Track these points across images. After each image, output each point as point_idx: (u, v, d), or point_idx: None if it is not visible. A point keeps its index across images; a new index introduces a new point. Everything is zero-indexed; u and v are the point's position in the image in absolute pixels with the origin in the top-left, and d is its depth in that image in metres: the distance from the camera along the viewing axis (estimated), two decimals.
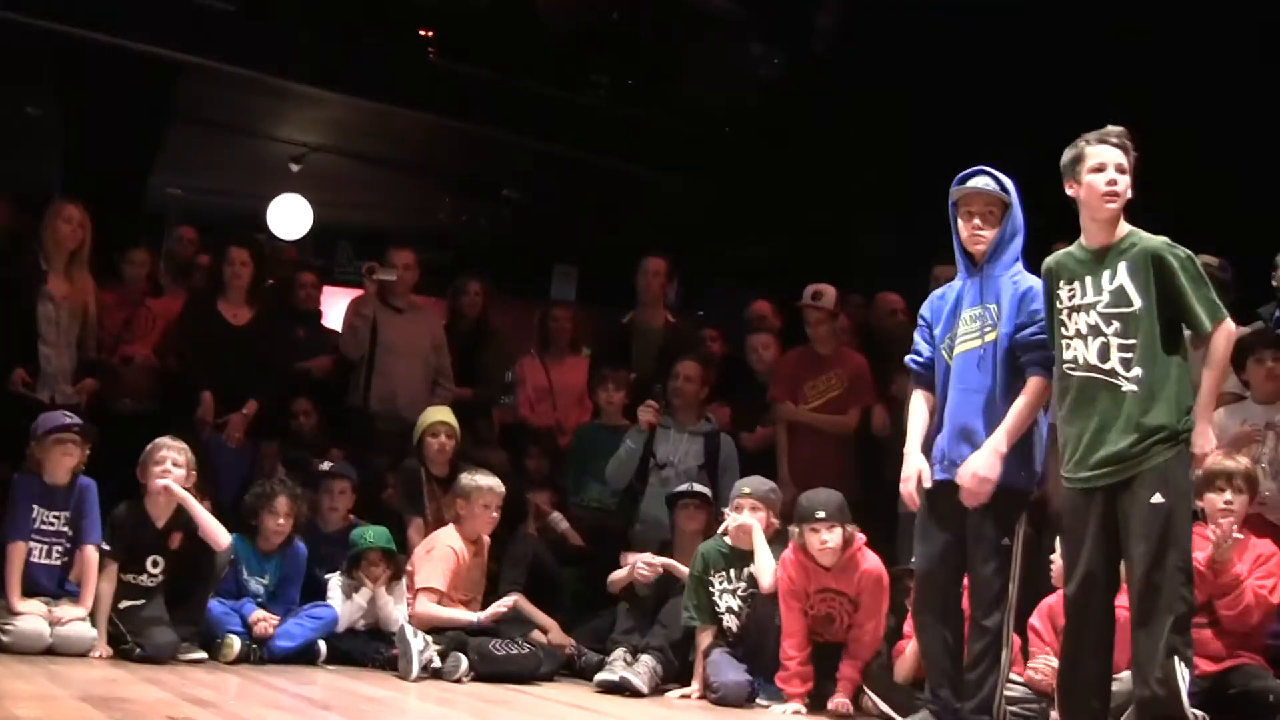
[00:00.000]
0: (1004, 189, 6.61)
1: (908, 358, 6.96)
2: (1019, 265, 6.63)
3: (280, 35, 11.99)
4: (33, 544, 8.11)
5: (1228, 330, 5.96)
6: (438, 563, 8.69)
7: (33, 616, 7.85)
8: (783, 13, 13.95)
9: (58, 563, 8.19)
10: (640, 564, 8.84)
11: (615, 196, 14.02)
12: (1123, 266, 5.98)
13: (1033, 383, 6.42)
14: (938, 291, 6.94)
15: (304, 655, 8.54)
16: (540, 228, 15.03)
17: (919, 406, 6.82)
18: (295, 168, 13.62)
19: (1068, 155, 6.08)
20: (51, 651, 7.81)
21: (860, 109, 12.84)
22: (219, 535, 8.34)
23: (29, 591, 8.02)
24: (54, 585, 8.16)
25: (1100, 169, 5.98)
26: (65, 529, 8.20)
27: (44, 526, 8.15)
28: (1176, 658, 5.72)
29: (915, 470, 6.65)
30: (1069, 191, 6.08)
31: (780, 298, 10.98)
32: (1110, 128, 6.04)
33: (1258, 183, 9.97)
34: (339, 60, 12.23)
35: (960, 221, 6.66)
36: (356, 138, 13.67)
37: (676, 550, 8.90)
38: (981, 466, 6.36)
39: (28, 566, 8.08)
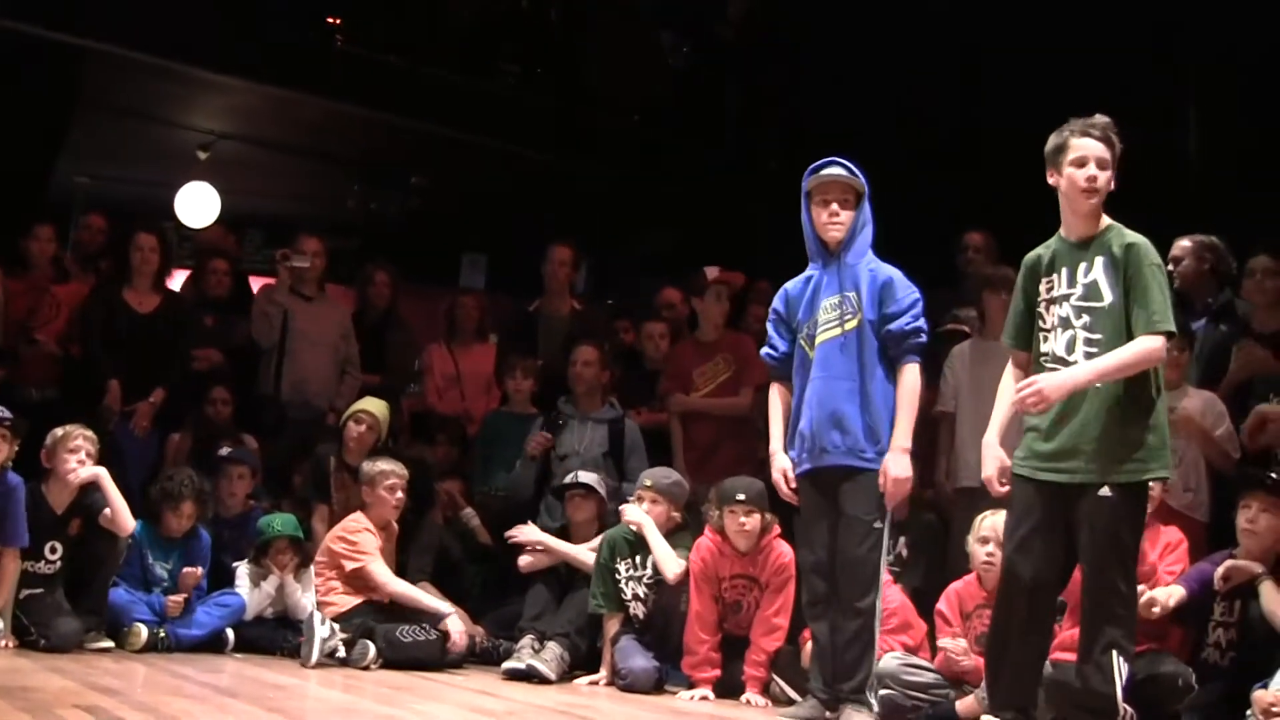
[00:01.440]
0: (858, 178, 6.71)
1: (762, 351, 7.04)
2: (872, 254, 6.74)
3: (187, 21, 11.88)
4: None
5: (1157, 345, 5.81)
6: (367, 544, 8.74)
7: None
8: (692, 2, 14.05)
9: None
10: (524, 555, 8.93)
11: (524, 184, 14.02)
12: (1099, 260, 5.93)
13: (908, 370, 6.58)
14: (791, 283, 6.98)
15: (212, 644, 8.56)
16: (449, 215, 15.02)
17: (776, 401, 6.92)
18: (203, 155, 13.54)
19: (1052, 143, 6.02)
20: None
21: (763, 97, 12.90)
22: (127, 521, 8.33)
23: None
24: None
25: (1082, 163, 5.90)
26: None
27: None
28: (1116, 651, 5.75)
29: (782, 470, 6.76)
30: (1050, 180, 6.03)
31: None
32: (1096, 118, 5.95)
33: None
34: (246, 47, 12.15)
35: (815, 210, 6.74)
36: (265, 125, 13.59)
37: (573, 539, 8.95)
38: (897, 468, 6.49)
39: None
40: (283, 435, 10.39)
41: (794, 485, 6.72)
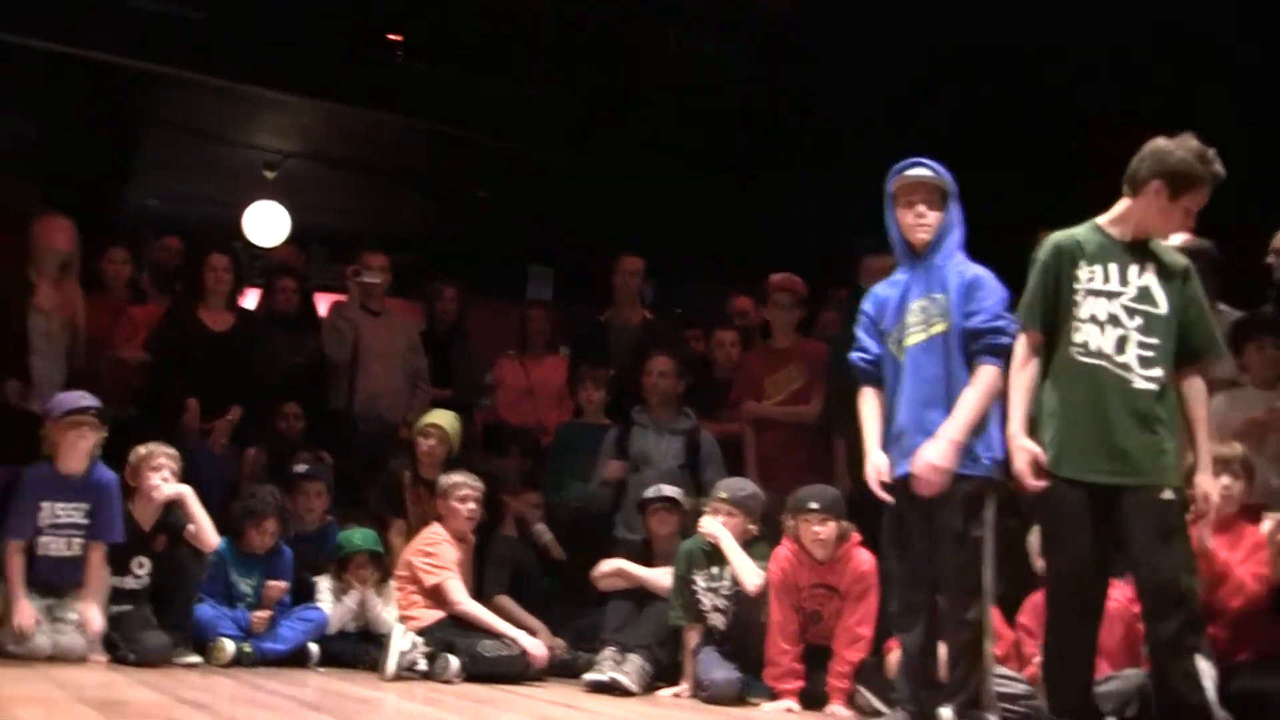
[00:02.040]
0: (944, 178, 6.58)
1: (853, 354, 6.81)
2: (961, 255, 6.58)
3: (251, 42, 12.00)
4: (48, 538, 8.11)
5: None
6: (445, 557, 8.77)
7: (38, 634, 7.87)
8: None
9: (78, 554, 8.17)
10: (605, 579, 8.92)
11: (588, 195, 14.06)
12: (1153, 267, 5.91)
13: (984, 371, 6.35)
14: (880, 285, 6.84)
15: (295, 658, 8.60)
16: (514, 228, 15.08)
17: (870, 404, 6.71)
18: (270, 174, 13.66)
19: (1180, 167, 5.89)
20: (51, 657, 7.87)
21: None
22: (211, 538, 8.42)
23: (36, 584, 8.03)
24: (71, 587, 8.13)
25: (1199, 200, 5.91)
26: (83, 520, 8.18)
27: (59, 520, 8.14)
28: (1196, 654, 5.72)
29: (876, 468, 6.54)
30: (1140, 191, 5.95)
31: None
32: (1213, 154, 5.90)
33: None
34: (310, 66, 12.25)
35: (900, 211, 6.59)
36: (329, 142, 13.72)
37: (654, 553, 8.90)
38: (936, 455, 6.29)
39: (42, 562, 8.08)
40: (354, 450, 10.44)
41: (888, 481, 6.55)
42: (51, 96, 11.95)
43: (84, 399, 8.35)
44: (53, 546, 8.14)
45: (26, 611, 7.88)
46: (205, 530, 8.38)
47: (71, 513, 8.16)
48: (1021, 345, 6.16)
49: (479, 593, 9.07)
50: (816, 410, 9.87)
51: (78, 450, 8.19)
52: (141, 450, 8.47)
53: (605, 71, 13.78)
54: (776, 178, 13.21)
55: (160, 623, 8.23)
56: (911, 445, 6.41)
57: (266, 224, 13.94)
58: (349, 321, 10.65)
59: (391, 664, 8.22)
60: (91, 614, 8.04)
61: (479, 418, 11.20)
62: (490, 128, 13.02)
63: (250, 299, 11.37)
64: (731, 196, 13.68)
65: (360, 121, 13.07)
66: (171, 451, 8.51)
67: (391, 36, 13.25)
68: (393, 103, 12.78)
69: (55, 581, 8.10)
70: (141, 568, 8.38)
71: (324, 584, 8.98)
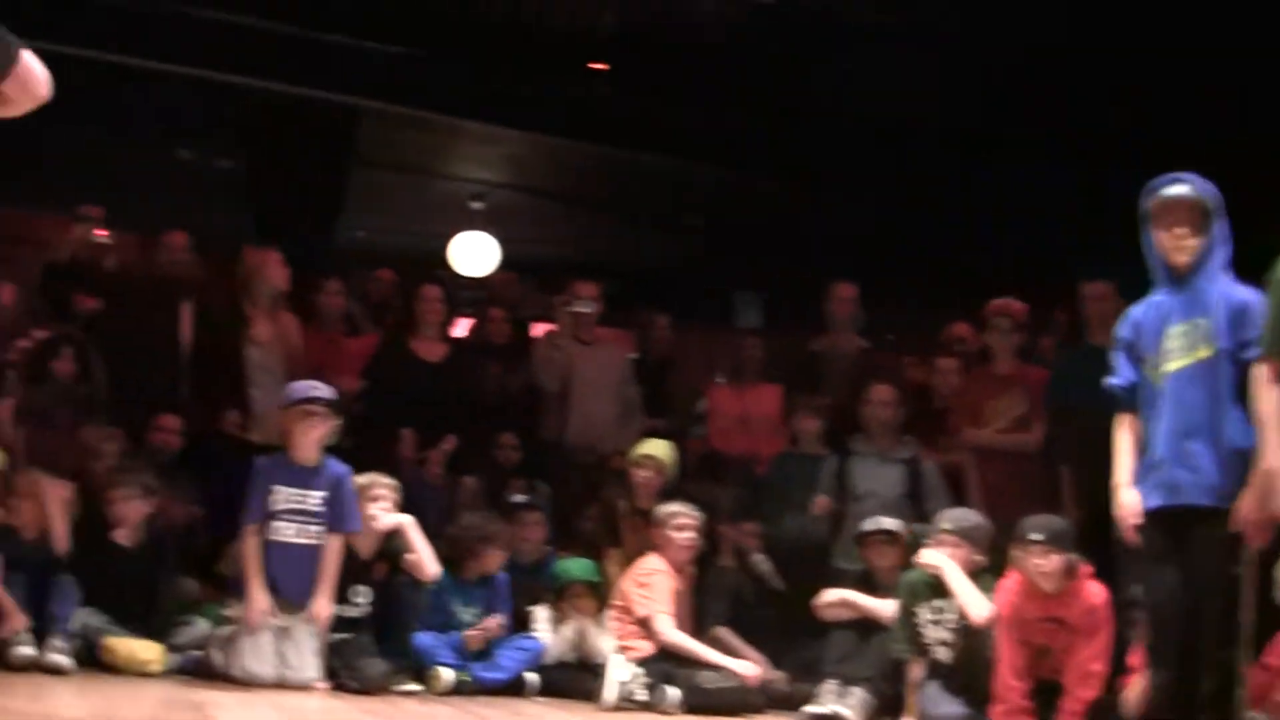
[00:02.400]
0: (1206, 195, 6.15)
1: (1109, 381, 6.44)
2: (1227, 276, 6.15)
3: (454, 75, 12.08)
4: (282, 523, 8.19)
5: None
6: (660, 588, 8.67)
7: (265, 655, 7.96)
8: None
9: (312, 543, 8.23)
10: (828, 609, 8.78)
11: (797, 221, 13.95)
12: None
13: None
14: (1137, 308, 6.42)
15: (513, 687, 8.56)
16: (721, 255, 15.02)
17: (1126, 433, 6.34)
18: (476, 205, 13.72)
19: None
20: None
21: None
22: (431, 566, 8.45)
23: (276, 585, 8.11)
24: (305, 577, 8.18)
25: None
26: (317, 508, 8.24)
27: (293, 505, 8.22)
28: None
29: (1128, 508, 6.19)
30: None
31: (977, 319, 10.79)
32: None
33: None
34: (514, 97, 12.30)
35: (1157, 233, 6.18)
36: (535, 173, 13.77)
37: (875, 584, 8.72)
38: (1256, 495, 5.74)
39: (275, 549, 8.16)
40: (569, 480, 10.42)
41: (1138, 523, 6.33)
42: (262, 132, 12.11)
43: (315, 389, 8.45)
44: (286, 532, 8.20)
45: (259, 602, 7.99)
46: (425, 559, 8.40)
47: (304, 499, 8.23)
48: (1264, 375, 5.72)
49: (697, 624, 8.97)
50: (1039, 438, 9.66)
51: (308, 438, 8.29)
52: (360, 480, 8.52)
53: (811, 96, 13.69)
54: (989, 200, 12.99)
55: (380, 651, 8.27)
56: (1170, 477, 6.03)
57: (474, 254, 13.98)
58: (561, 351, 10.65)
59: (609, 694, 8.15)
60: (321, 604, 8.13)
61: (691, 447, 11.14)
62: (697, 155, 12.95)
63: (459, 329, 11.41)
64: (944, 220, 13.48)
65: (566, 152, 13.09)
66: (390, 481, 8.58)
67: (596, 66, 13.28)
68: (599, 133, 12.77)
69: (288, 575, 8.16)
70: (362, 596, 8.41)
71: (542, 614, 8.95)
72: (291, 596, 8.13)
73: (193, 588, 8.82)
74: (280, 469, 8.26)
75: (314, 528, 8.23)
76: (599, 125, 12.80)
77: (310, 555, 8.19)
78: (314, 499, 8.23)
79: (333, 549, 8.22)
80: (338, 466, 8.37)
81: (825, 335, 11.10)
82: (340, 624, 8.32)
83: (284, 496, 8.18)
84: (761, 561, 9.89)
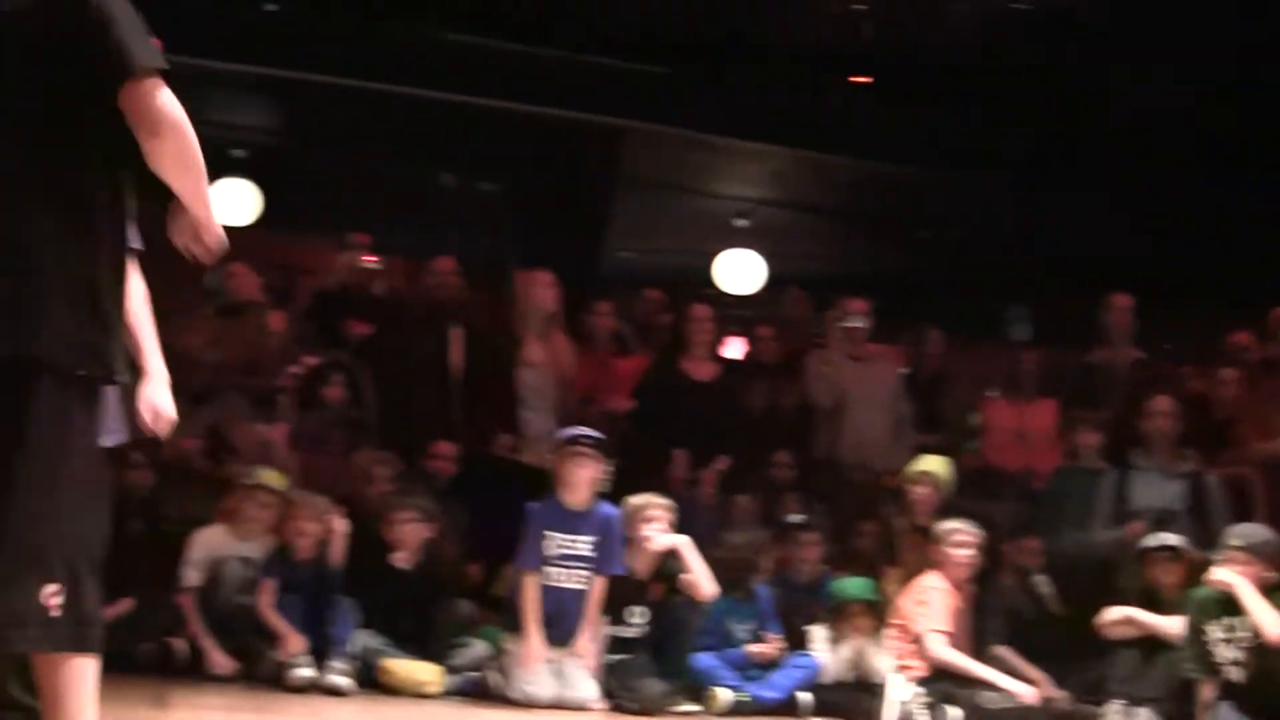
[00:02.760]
0: None
1: None
2: None
3: (716, 94, 12.08)
4: (554, 569, 8.28)
5: None
6: (937, 606, 8.55)
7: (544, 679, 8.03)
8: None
9: (583, 587, 8.31)
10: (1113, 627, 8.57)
11: (1065, 233, 13.69)
12: None
13: None
14: None
15: (787, 706, 8.52)
16: (991, 268, 14.80)
17: None
18: (741, 222, 13.69)
19: None
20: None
21: None
22: (708, 586, 8.43)
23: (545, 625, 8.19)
24: (575, 617, 8.28)
25: None
26: (588, 553, 8.33)
27: (565, 550, 8.30)
28: None
29: None
30: None
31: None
32: None
33: None
34: (777, 114, 12.24)
35: None
36: (800, 189, 13.70)
37: (1159, 602, 8.50)
38: None
39: (548, 593, 8.24)
40: (844, 498, 10.33)
41: None
42: (528, 156, 12.22)
43: (583, 430, 8.52)
44: (559, 578, 8.30)
45: (537, 646, 8.09)
46: (701, 579, 8.39)
47: (576, 544, 8.32)
48: None
49: (977, 642, 8.82)
50: None
51: (578, 479, 8.36)
52: (635, 501, 8.58)
53: (1079, 106, 13.45)
54: (1272, 206, 12.61)
55: (658, 671, 8.27)
56: None
57: (739, 272, 13.94)
58: (834, 367, 10.57)
59: (889, 714, 8.09)
60: (585, 643, 8.21)
61: (966, 462, 10.98)
62: (967, 167, 12.76)
63: (729, 347, 11.40)
64: (1223, 227, 13.11)
65: (831, 167, 12.99)
66: (665, 502, 8.61)
67: (859, 80, 13.19)
68: (862, 147, 12.66)
69: (559, 616, 8.25)
70: (638, 617, 8.44)
71: (819, 633, 8.88)
72: (562, 636, 8.24)
73: (469, 609, 8.90)
74: (552, 514, 8.35)
75: (583, 571, 8.32)
76: (864, 139, 12.68)
77: (579, 597, 8.31)
78: (584, 544, 8.32)
79: (597, 589, 8.32)
80: (607, 509, 8.43)
81: (1101, 347, 10.85)
82: (617, 645, 8.39)
83: (556, 542, 8.29)
84: (1044, 583, 9.69)
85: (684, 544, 8.46)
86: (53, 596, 3.57)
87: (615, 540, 8.36)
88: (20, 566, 3.54)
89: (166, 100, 3.69)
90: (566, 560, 8.29)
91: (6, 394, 3.58)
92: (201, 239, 3.98)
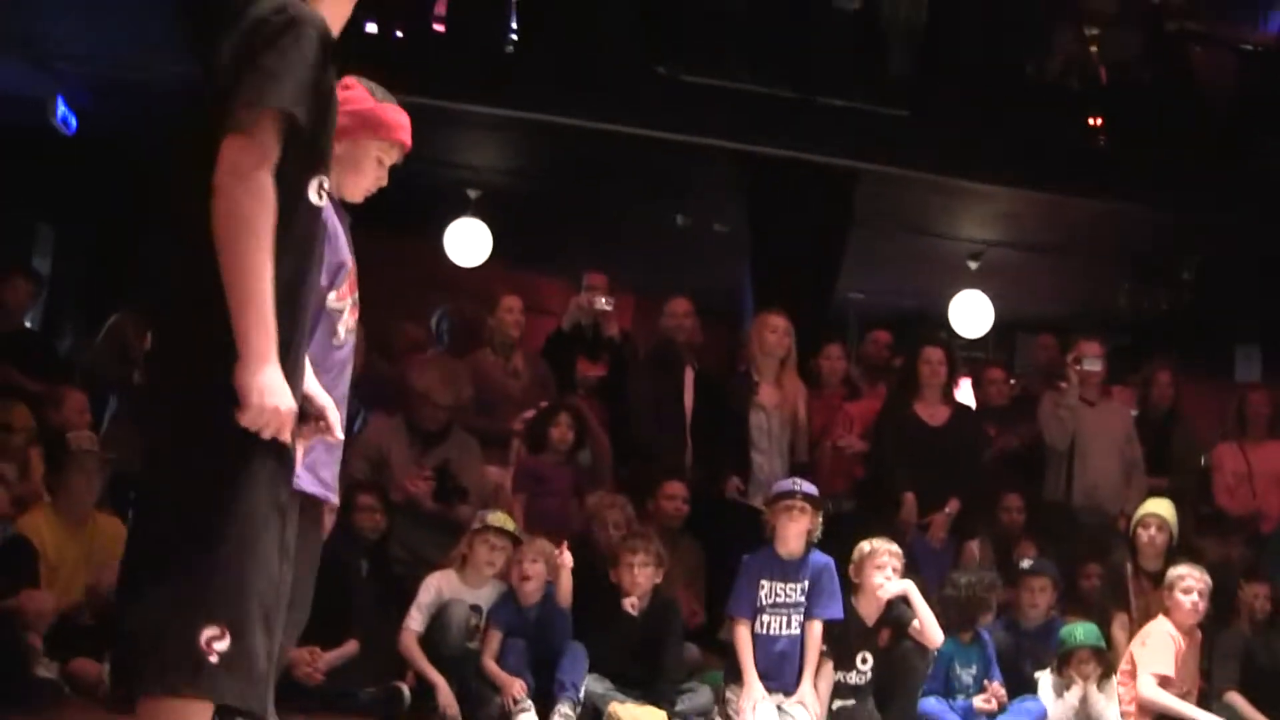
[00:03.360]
0: None
1: None
2: None
3: (950, 136, 12.11)
4: (769, 617, 8.43)
5: None
6: (1159, 649, 8.55)
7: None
8: None
9: (796, 633, 8.43)
10: None
11: None
12: None
13: None
14: None
15: None
16: (1221, 306, 14.62)
17: None
18: (973, 265, 13.68)
19: None
20: None
21: None
22: (936, 634, 8.50)
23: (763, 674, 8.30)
24: (793, 665, 8.40)
25: None
26: (801, 600, 8.44)
27: (778, 600, 8.44)
28: None
29: None
30: None
31: None
32: None
33: None
34: (1010, 155, 12.23)
35: None
36: (1032, 229, 13.62)
37: None
38: None
39: (761, 641, 8.39)
40: (1076, 541, 10.31)
41: None
42: (762, 196, 12.31)
43: (797, 483, 8.62)
44: (774, 626, 8.43)
45: (755, 692, 8.20)
46: (929, 626, 8.47)
47: (790, 591, 8.44)
48: None
49: (1208, 689, 8.79)
50: None
51: (790, 531, 8.45)
52: (865, 547, 8.67)
53: None
54: None
55: (884, 717, 8.38)
56: None
57: (971, 314, 13.93)
58: (1070, 409, 10.55)
59: None
60: (807, 689, 8.30)
61: (1196, 504, 10.89)
62: (1192, 205, 12.64)
63: (962, 390, 11.40)
64: None
65: (1063, 208, 12.93)
66: (894, 549, 8.68)
67: (1093, 121, 13.15)
68: (1094, 187, 12.59)
69: (774, 660, 8.39)
70: (865, 663, 8.54)
71: (1045, 678, 8.91)
72: (784, 683, 8.36)
73: (694, 653, 8.99)
74: (766, 563, 8.48)
75: (797, 619, 8.44)
76: (1096, 178, 12.61)
77: (796, 644, 8.42)
78: (797, 591, 8.44)
79: (814, 636, 8.41)
80: (820, 557, 8.52)
81: None
82: (843, 690, 8.47)
83: (769, 591, 8.42)
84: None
85: (912, 590, 8.53)
86: (213, 641, 3.43)
87: (828, 586, 8.44)
88: (178, 610, 3.44)
89: (241, 157, 3.48)
90: (780, 608, 8.43)
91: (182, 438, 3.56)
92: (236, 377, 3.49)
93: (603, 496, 9.52)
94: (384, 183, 4.72)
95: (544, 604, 8.44)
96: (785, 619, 8.42)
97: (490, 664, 8.20)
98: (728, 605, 8.64)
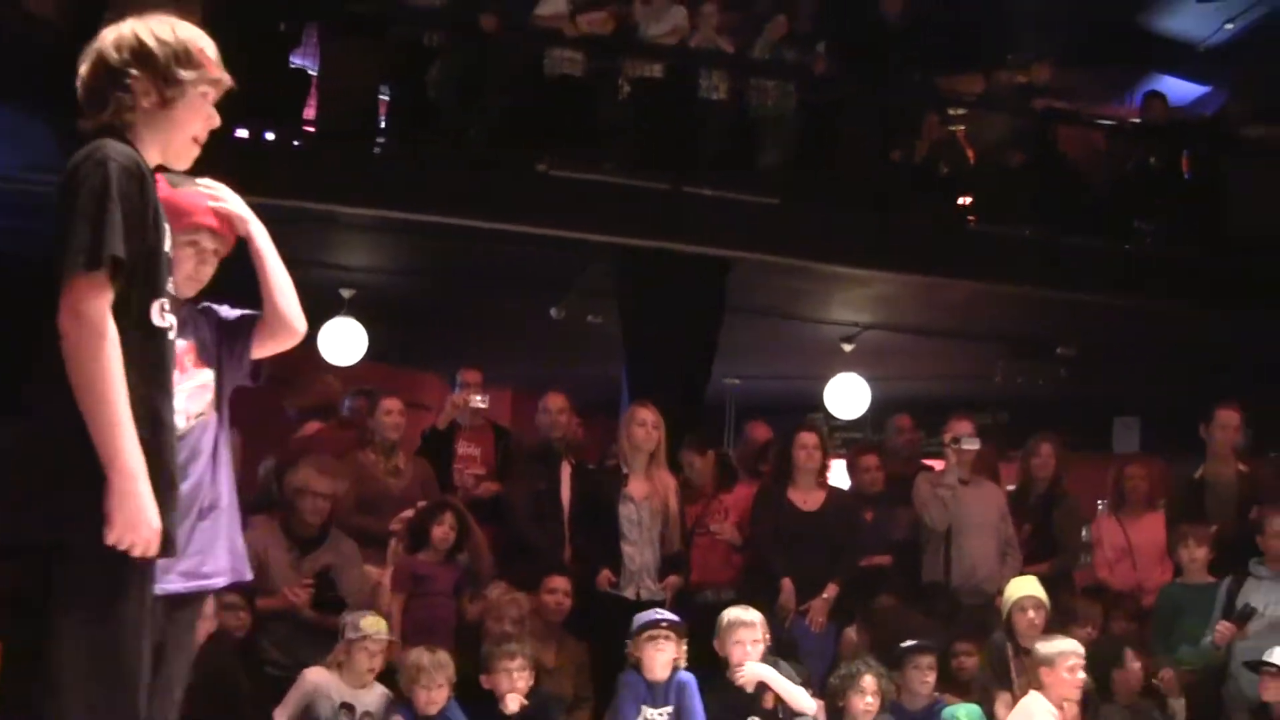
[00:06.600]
0: None
1: None
2: None
3: (822, 222, 12.20)
4: None
5: None
6: None
7: None
8: None
9: None
10: None
11: (1173, 343, 13.67)
12: None
13: None
14: None
15: None
16: (1098, 381, 14.78)
17: None
18: (848, 347, 13.77)
19: None
20: None
21: None
22: (804, 703, 8.55)
23: None
24: None
25: None
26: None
27: None
28: None
29: None
30: None
31: None
32: None
33: None
34: (881, 239, 12.34)
35: None
36: (906, 311, 13.75)
37: (1274, 715, 8.59)
38: None
39: None
40: (956, 623, 10.35)
41: None
42: (635, 287, 12.33)
43: (658, 613, 8.65)
44: None
45: None
46: (793, 698, 8.57)
47: (660, 716, 8.42)
48: None
49: None
50: None
51: (657, 661, 8.44)
52: (724, 620, 8.78)
53: (1183, 212, 13.49)
54: None
55: None
56: None
57: (848, 396, 14.02)
58: (949, 489, 10.61)
59: None
60: None
61: (1078, 578, 10.94)
62: (1068, 282, 12.78)
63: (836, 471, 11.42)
64: None
65: (934, 289, 13.06)
66: (751, 618, 8.71)
67: (962, 201, 13.30)
68: (966, 267, 12.72)
69: None
70: None
71: None
72: None
73: None
74: (637, 687, 8.45)
75: None
76: (967, 258, 12.73)
77: None
78: (667, 715, 8.42)
79: None
80: (683, 676, 8.49)
81: (1207, 462, 10.83)
82: None
83: (642, 716, 8.42)
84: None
85: (768, 674, 8.57)
86: None
87: (690, 704, 8.41)
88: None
89: (77, 298, 3.72)
90: None
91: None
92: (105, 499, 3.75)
93: (503, 590, 9.43)
94: (209, 268, 4.74)
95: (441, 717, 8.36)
96: None
97: None
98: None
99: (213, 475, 4.68)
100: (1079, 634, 9.40)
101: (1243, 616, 9.31)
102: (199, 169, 4.46)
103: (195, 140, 4.26)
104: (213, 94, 4.25)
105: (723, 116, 12.48)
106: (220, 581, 4.73)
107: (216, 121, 4.28)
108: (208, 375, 4.72)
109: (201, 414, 4.64)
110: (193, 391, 4.60)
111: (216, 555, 4.67)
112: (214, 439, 4.70)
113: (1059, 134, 13.74)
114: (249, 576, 4.88)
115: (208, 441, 4.66)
